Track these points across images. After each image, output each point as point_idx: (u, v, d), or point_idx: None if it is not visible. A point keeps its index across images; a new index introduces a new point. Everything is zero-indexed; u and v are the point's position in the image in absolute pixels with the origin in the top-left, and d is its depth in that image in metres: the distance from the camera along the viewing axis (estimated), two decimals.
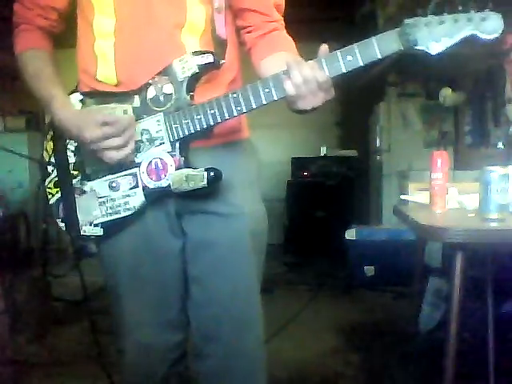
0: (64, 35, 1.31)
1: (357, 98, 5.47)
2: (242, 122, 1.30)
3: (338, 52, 1.03)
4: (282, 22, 1.30)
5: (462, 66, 4.16)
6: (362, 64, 1.02)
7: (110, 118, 1.11)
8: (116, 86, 1.18)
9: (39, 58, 1.22)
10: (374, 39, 1.01)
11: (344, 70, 1.03)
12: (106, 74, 1.18)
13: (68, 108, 1.17)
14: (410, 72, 4.63)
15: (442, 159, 1.73)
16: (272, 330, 2.86)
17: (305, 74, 1.03)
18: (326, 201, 5.14)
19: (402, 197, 2.14)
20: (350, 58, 1.02)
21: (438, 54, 1.00)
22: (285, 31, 1.30)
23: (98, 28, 1.19)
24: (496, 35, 0.97)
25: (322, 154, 5.44)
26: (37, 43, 1.24)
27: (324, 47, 1.05)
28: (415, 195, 2.01)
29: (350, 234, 3.97)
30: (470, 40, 0.99)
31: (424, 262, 2.18)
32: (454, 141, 4.49)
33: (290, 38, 1.27)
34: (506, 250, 2.01)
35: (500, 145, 3.37)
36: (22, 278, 3.17)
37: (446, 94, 4.05)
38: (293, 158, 5.44)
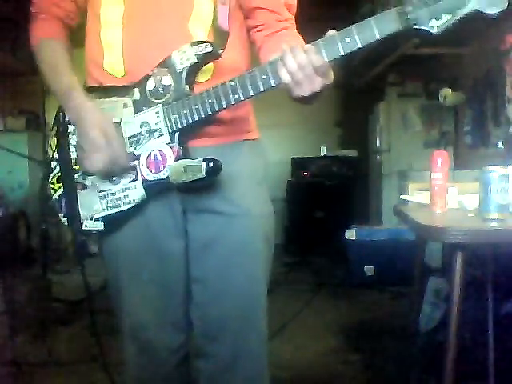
0: (72, 34, 1.30)
1: (357, 98, 5.48)
2: (251, 123, 1.28)
3: (336, 34, 1.00)
4: (293, 22, 1.28)
5: (462, 66, 4.16)
6: (360, 46, 0.98)
7: (113, 134, 1.12)
8: (123, 75, 1.16)
9: (56, 48, 1.21)
10: (372, 20, 0.98)
11: (342, 53, 0.99)
12: (114, 62, 1.17)
13: (88, 99, 1.15)
14: (410, 72, 4.63)
15: (442, 159, 1.73)
16: (272, 330, 2.85)
17: (299, 60, 1.00)
18: (325, 201, 5.15)
19: (402, 197, 2.14)
20: (348, 40, 0.99)
21: (439, 32, 0.95)
22: (295, 30, 1.27)
23: (105, 16, 1.18)
24: (500, 9, 0.92)
25: (322, 154, 5.45)
26: (53, 33, 1.23)
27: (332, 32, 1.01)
28: (415, 195, 2.01)
29: (350, 234, 3.98)
30: (474, 15, 0.92)
31: (424, 262, 2.18)
32: (454, 141, 4.48)
33: (300, 36, 1.24)
34: (506, 250, 2.01)
35: (500, 145, 3.37)
36: (22, 278, 3.17)
37: (446, 94, 4.05)
38: (293, 158, 5.44)
